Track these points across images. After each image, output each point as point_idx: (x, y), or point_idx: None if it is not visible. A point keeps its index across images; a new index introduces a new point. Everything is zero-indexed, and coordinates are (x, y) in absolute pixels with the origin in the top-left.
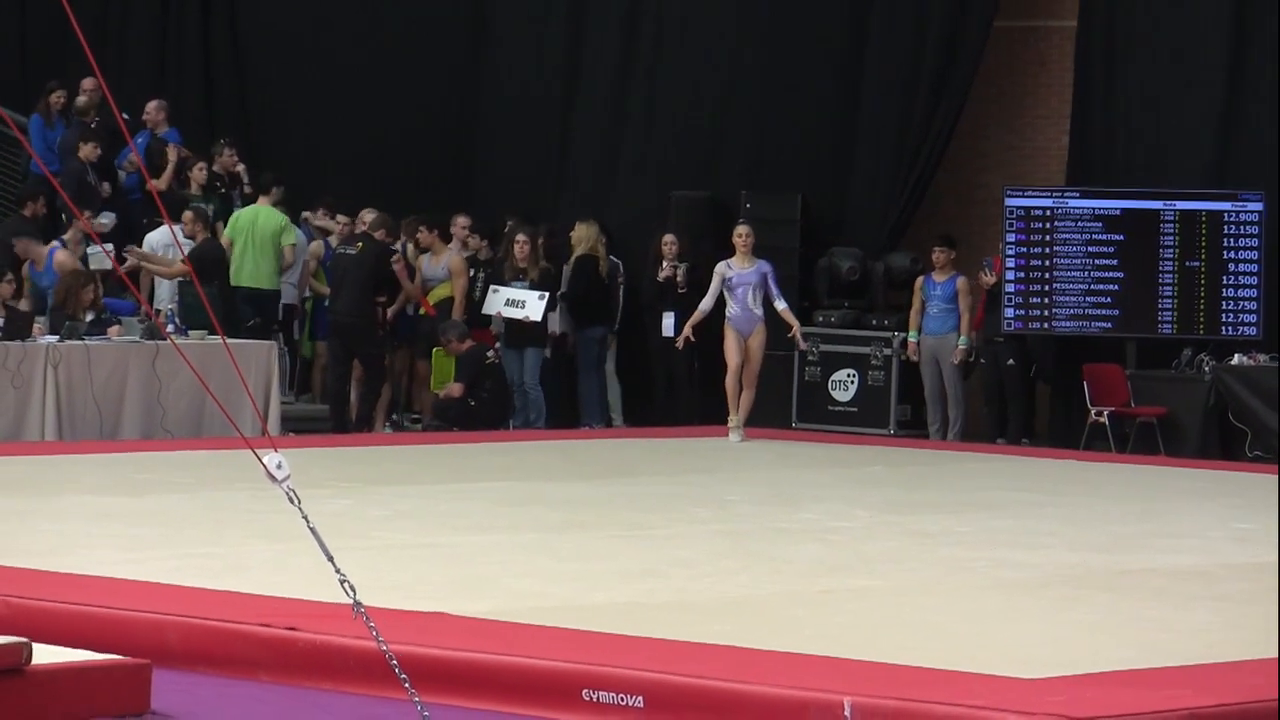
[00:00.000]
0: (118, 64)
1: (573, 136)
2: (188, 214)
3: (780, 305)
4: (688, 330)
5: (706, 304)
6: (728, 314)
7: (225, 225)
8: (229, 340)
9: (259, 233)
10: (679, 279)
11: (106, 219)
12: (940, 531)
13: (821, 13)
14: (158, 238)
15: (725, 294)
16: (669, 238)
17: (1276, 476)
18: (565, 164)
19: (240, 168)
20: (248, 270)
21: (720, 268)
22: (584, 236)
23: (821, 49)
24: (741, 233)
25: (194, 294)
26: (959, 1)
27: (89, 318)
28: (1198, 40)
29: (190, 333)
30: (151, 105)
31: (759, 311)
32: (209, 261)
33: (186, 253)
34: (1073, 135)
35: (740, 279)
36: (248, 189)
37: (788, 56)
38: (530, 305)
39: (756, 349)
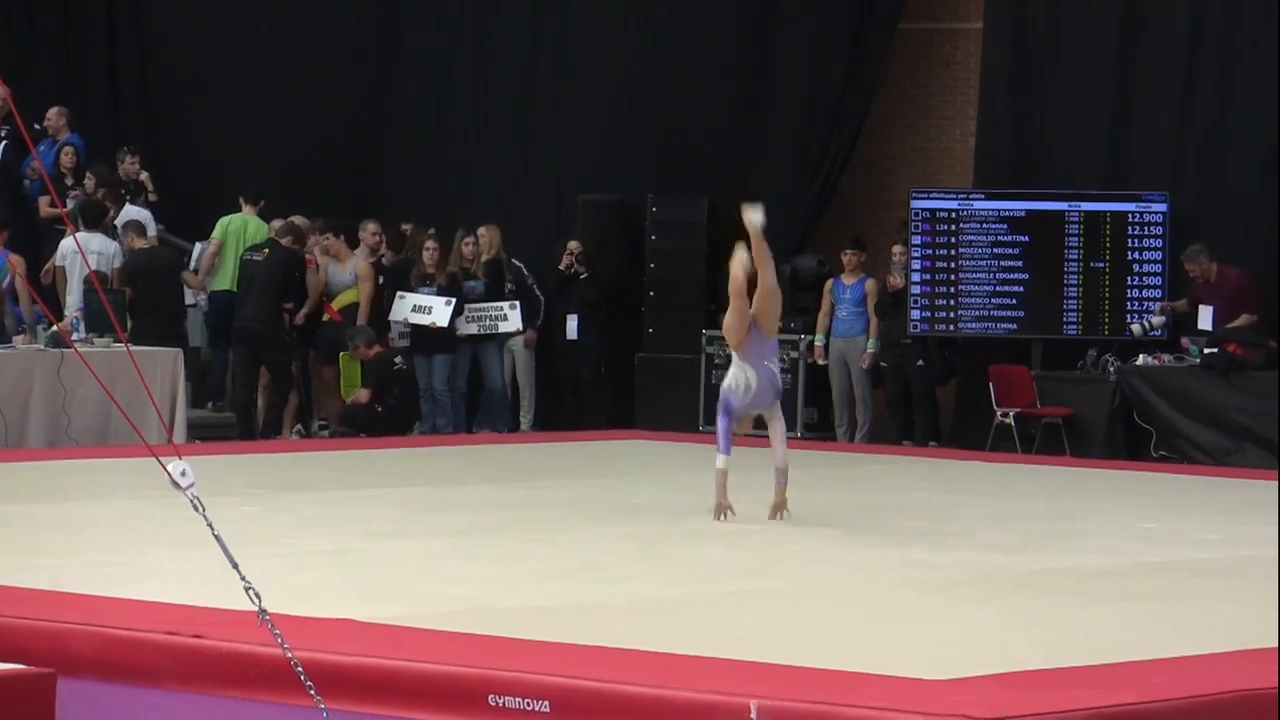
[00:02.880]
0: (23, 70)
1: (480, 142)
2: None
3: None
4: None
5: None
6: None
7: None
8: (133, 347)
9: (249, 240)
10: (576, 267)
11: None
12: (848, 533)
13: (727, 16)
14: (69, 244)
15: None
16: (573, 244)
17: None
18: (472, 169)
19: (144, 175)
20: (231, 275)
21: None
22: (493, 240)
23: (727, 51)
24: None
25: (99, 300)
26: (864, 4)
27: None
28: (1101, 43)
29: (95, 340)
30: (52, 112)
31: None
32: (166, 269)
33: (121, 263)
34: (978, 137)
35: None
36: (152, 197)
37: (693, 59)
38: (437, 311)
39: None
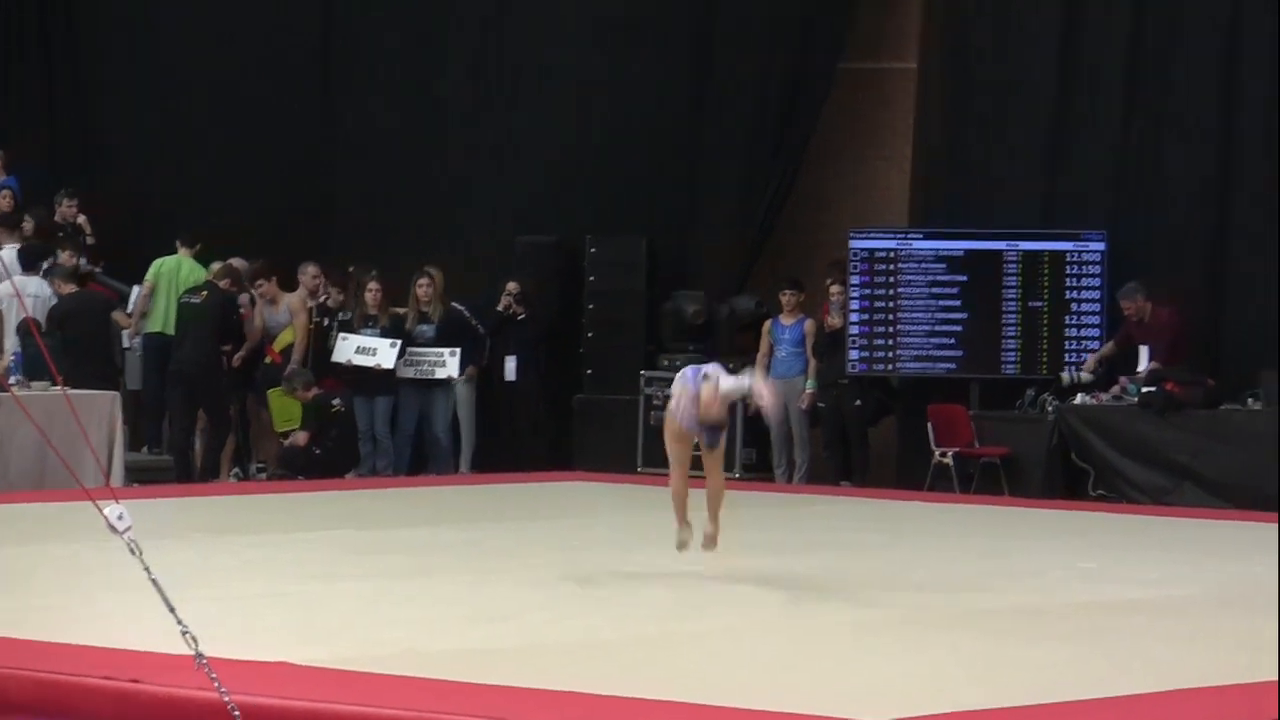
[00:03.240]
0: None
1: (420, 182)
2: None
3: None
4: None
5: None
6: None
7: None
8: (70, 391)
9: (182, 283)
10: (515, 308)
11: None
12: (786, 573)
13: (665, 56)
14: (6, 288)
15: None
16: (511, 285)
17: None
18: (413, 210)
19: (81, 218)
20: (163, 317)
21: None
22: (438, 283)
23: (666, 92)
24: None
25: (36, 345)
26: (802, 43)
27: None
28: (1038, 81)
29: (32, 384)
30: None
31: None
32: (95, 312)
33: (50, 307)
34: (915, 176)
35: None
36: (90, 240)
37: (632, 100)
38: (381, 353)
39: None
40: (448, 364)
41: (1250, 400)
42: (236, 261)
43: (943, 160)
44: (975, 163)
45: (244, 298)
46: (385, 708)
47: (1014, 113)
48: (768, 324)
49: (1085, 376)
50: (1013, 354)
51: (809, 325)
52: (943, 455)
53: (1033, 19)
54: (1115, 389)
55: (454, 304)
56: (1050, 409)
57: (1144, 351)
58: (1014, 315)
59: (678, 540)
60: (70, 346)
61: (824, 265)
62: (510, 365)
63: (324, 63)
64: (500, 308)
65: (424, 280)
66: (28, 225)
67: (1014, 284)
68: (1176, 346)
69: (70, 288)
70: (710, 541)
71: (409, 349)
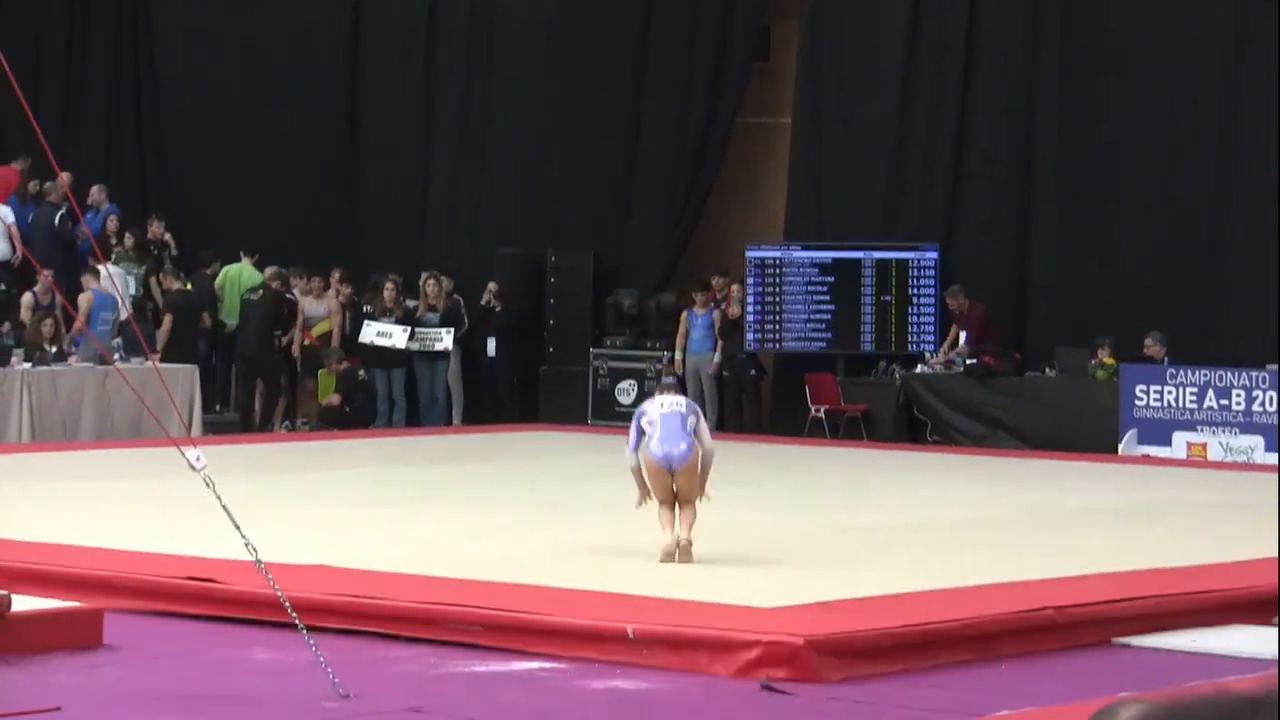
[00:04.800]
0: (75, 151)
1: (424, 207)
2: (164, 273)
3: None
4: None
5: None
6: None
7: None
8: (160, 364)
9: (243, 284)
10: (494, 302)
11: None
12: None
13: (608, 110)
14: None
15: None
16: (492, 285)
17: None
18: (419, 227)
19: (168, 236)
20: (228, 309)
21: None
22: (444, 283)
23: (607, 137)
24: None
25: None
26: (711, 103)
27: (53, 350)
28: (881, 130)
29: (132, 359)
30: (94, 189)
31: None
32: (189, 305)
33: (163, 301)
34: (792, 203)
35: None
36: (174, 253)
37: (581, 144)
38: (395, 336)
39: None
40: (444, 340)
41: (1047, 369)
42: (280, 270)
43: (813, 190)
44: (837, 192)
45: (297, 291)
46: (400, 600)
47: (864, 154)
48: (684, 313)
49: (957, 356)
50: (869, 336)
51: (716, 314)
52: (817, 411)
53: (874, 76)
54: (952, 355)
55: (455, 295)
56: (897, 376)
57: (963, 335)
58: (870, 307)
59: (661, 554)
60: (175, 329)
61: (729, 269)
62: (491, 345)
63: (350, 119)
64: (483, 302)
65: (432, 281)
66: (129, 241)
67: (869, 284)
68: (984, 332)
69: (177, 285)
70: (685, 551)
71: (417, 329)
